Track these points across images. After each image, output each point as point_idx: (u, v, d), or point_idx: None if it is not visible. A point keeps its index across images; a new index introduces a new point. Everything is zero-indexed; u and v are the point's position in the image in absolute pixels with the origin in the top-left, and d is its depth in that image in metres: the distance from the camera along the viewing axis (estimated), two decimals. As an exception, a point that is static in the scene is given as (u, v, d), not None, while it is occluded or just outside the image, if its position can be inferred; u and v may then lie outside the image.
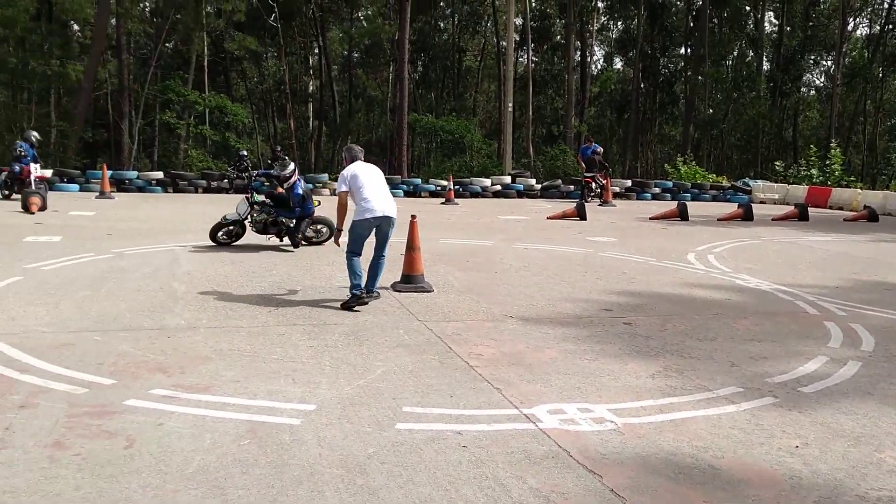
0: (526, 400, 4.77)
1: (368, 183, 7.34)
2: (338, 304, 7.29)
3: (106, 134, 35.55)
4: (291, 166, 11.03)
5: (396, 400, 4.69)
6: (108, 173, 20.21)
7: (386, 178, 8.17)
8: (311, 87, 48.00)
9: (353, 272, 7.23)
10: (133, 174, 23.22)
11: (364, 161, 7.69)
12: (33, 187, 15.63)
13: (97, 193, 19.42)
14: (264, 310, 7.04)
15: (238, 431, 4.10)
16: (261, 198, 11.01)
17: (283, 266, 9.45)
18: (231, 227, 10.94)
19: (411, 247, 8.29)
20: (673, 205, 19.35)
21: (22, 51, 31.24)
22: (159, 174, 23.66)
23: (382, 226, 7.33)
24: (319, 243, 11.49)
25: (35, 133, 18.13)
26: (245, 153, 24.77)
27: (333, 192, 23.09)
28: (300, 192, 10.87)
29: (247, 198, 10.87)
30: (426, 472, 3.69)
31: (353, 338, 6.14)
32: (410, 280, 8.22)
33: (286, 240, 11.19)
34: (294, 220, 11.00)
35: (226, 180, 23.58)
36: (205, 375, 5.02)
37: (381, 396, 4.74)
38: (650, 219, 17.82)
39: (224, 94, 35.65)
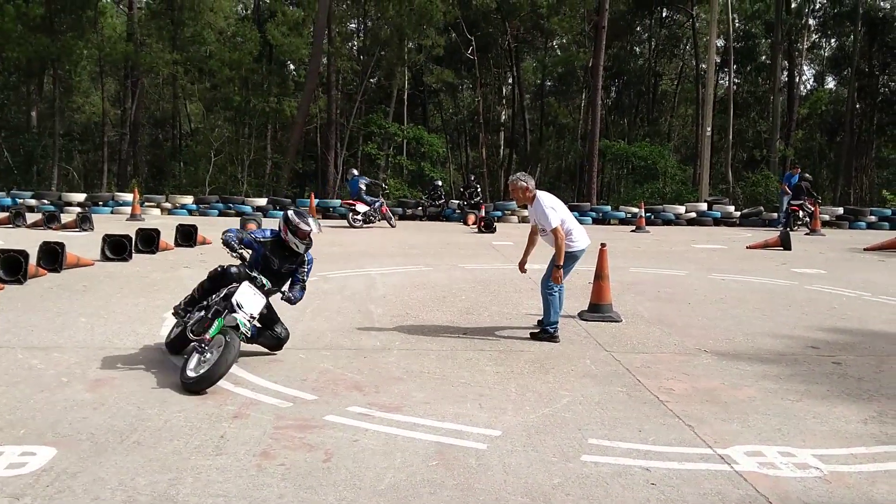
0: (721, 440, 4.55)
1: (567, 214, 7.26)
2: (525, 332, 7.34)
3: (314, 165, 38.25)
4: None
5: (582, 431, 4.64)
6: (315, 202, 21.73)
7: (574, 206, 8.12)
8: (504, 117, 48.86)
9: (555, 309, 7.14)
10: (336, 202, 24.79)
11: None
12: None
13: (305, 220, 20.91)
14: (453, 334, 7.24)
15: (427, 452, 4.24)
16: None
17: (471, 292, 9.67)
18: None
19: (600, 275, 8.19)
20: (892, 234, 17.63)
21: (245, 90, 34.46)
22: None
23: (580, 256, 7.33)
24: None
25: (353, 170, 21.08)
26: (439, 182, 25.77)
27: (523, 220, 23.38)
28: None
29: None
30: (611, 507, 3.62)
31: (538, 365, 6.16)
32: (598, 309, 8.11)
33: None
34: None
35: (420, 208, 24.56)
36: (397, 395, 5.25)
37: (567, 426, 4.72)
38: (865, 250, 16.35)
39: (421, 126, 37.19)
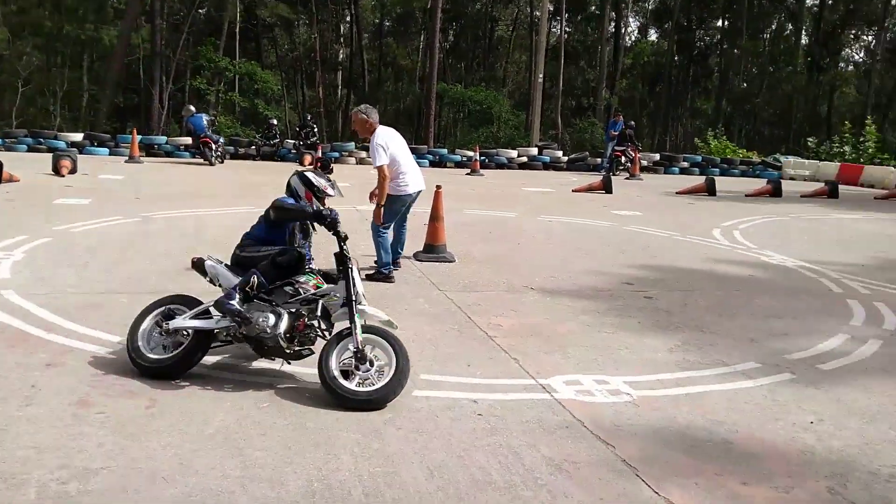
0: (543, 371, 4.81)
1: (403, 155, 7.22)
2: (361, 274, 7.35)
3: (136, 99, 35.84)
4: None
5: (414, 367, 4.72)
6: (138, 138, 20.43)
7: (412, 148, 8.14)
8: (341, 56, 47.88)
9: (385, 249, 7.16)
10: (162, 139, 23.44)
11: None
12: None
13: (126, 157, 19.66)
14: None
15: (259, 395, 4.19)
16: None
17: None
18: None
19: (435, 217, 8.31)
20: (701, 179, 19.12)
21: (57, 15, 31.48)
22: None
23: (413, 198, 7.38)
24: None
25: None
26: (274, 121, 24.93)
27: (361, 162, 23.21)
28: None
29: None
30: (441, 439, 3.75)
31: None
32: (433, 250, 8.26)
33: None
34: None
35: (253, 147, 23.74)
36: (227, 339, 5.11)
37: (399, 363, 4.80)
38: (677, 193, 17.65)
39: (254, 62, 35.70)
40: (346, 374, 4.19)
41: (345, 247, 4.46)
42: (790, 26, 48.11)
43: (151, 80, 31.31)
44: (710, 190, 17.65)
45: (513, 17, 50.94)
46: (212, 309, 4.50)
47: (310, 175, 4.95)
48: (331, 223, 4.47)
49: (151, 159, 20.91)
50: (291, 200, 4.84)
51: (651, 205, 15.14)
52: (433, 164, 23.74)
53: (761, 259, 9.45)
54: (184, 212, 10.81)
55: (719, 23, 49.49)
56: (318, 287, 4.54)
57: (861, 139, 29.37)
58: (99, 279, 6.62)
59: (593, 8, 47.85)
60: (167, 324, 4.48)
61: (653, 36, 54.65)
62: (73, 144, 21.25)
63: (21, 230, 8.60)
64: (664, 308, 6.63)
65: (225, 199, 12.46)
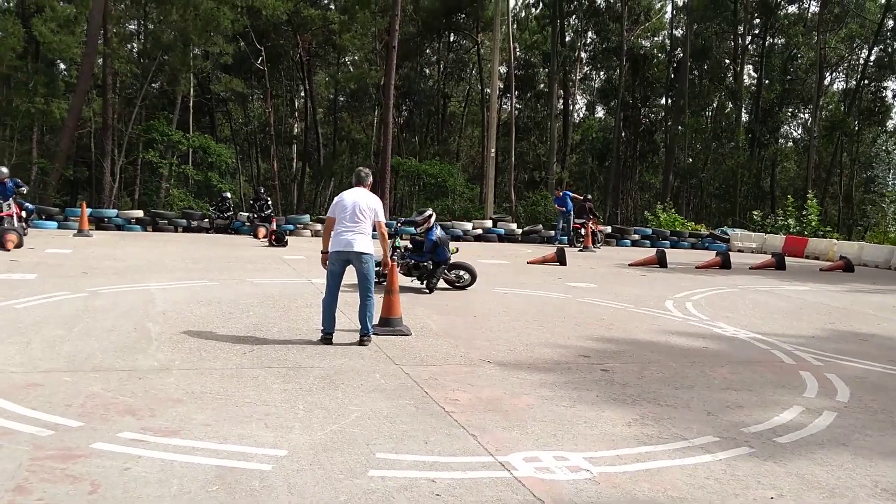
0: (502, 447, 4.72)
1: (344, 214, 7.50)
2: (315, 347, 7.25)
3: (87, 172, 35.40)
4: (428, 212, 11.72)
5: (370, 446, 4.62)
6: (88, 211, 20.10)
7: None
8: (296, 129, 48.24)
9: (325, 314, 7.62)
10: (112, 212, 23.12)
11: (361, 188, 7.76)
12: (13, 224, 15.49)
13: (75, 231, 19.27)
14: (239, 352, 6.95)
15: (207, 477, 4.01)
16: (404, 243, 11.94)
17: (259, 308, 9.37)
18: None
19: (390, 290, 8.26)
20: (652, 252, 19.49)
21: (6, 88, 31.18)
22: (139, 213, 23.58)
23: (353, 261, 7.45)
24: (462, 287, 12.03)
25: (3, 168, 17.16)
26: (228, 194, 24.85)
27: (315, 234, 23.16)
28: (434, 238, 11.39)
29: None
30: (398, 521, 3.62)
31: (328, 381, 6.07)
32: (388, 323, 8.17)
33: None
34: (431, 265, 11.51)
35: (206, 220, 23.53)
36: (175, 418, 4.93)
37: (355, 442, 4.67)
38: (629, 265, 17.91)
39: (208, 135, 35.69)
40: None
41: None
42: (730, 104, 50.15)
43: (103, 153, 31.00)
44: (661, 262, 17.96)
45: (464, 94, 52.19)
46: None
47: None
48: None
49: (101, 232, 20.56)
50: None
51: (605, 277, 15.32)
52: (389, 237, 23.78)
53: (714, 331, 9.57)
54: (132, 286, 10.56)
55: (663, 101, 51.38)
56: None
57: (804, 212, 30.40)
58: (42, 357, 6.37)
59: (542, 86, 49.33)
60: None
61: (600, 113, 56.47)
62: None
63: (-40, 306, 8.29)
64: (621, 381, 6.62)
65: (175, 273, 12.24)
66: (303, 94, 45.27)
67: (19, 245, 14.74)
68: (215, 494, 3.80)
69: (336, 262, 7.48)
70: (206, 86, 38.42)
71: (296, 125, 48.30)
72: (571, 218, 24.04)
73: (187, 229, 22.93)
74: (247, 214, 23.83)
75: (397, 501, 3.85)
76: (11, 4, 35.99)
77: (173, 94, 35.69)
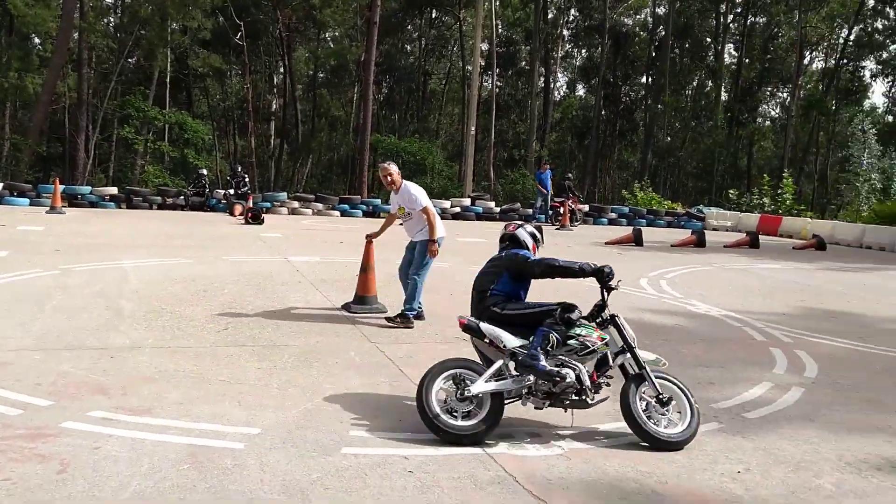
0: (474, 424, 4.75)
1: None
2: (290, 325, 7.22)
3: (61, 148, 34.91)
4: None
5: (344, 423, 4.63)
6: (61, 188, 19.83)
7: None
8: (275, 106, 47.82)
9: (420, 293, 7.71)
10: (86, 189, 22.82)
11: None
12: None
13: (48, 208, 19.02)
14: (213, 330, 6.92)
15: (178, 456, 4.01)
16: None
17: (234, 286, 9.32)
18: None
19: (366, 268, 8.24)
20: (628, 230, 19.59)
21: (-21, 63, 30.62)
22: (113, 189, 23.30)
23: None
24: None
25: None
26: (203, 171, 24.61)
27: (293, 212, 23.03)
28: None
29: None
30: (371, 498, 3.65)
31: (302, 360, 6.07)
32: (364, 301, 8.17)
33: None
34: None
35: (181, 197, 23.32)
36: (147, 397, 4.91)
37: (329, 420, 4.69)
38: (606, 244, 18.00)
39: (185, 111, 35.28)
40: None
41: (607, 297, 4.96)
42: (710, 83, 50.37)
43: (77, 129, 30.58)
44: (637, 241, 18.06)
45: (445, 71, 51.93)
46: (507, 368, 4.62)
47: (534, 230, 5.64)
48: (608, 278, 4.90)
49: (75, 210, 20.29)
50: (528, 253, 5.42)
51: (581, 255, 15.36)
52: (367, 215, 23.67)
53: (688, 308, 9.66)
54: (106, 264, 10.44)
55: (643, 79, 51.47)
56: (602, 339, 4.81)
57: (779, 191, 30.69)
58: (12, 335, 6.29)
59: (523, 63, 49.21)
60: (468, 389, 4.51)
61: (580, 91, 56.48)
62: (-9, 194, 20.52)
63: (-71, 284, 8.18)
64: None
65: (149, 250, 12.12)
66: (282, 70, 44.86)
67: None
68: (186, 473, 3.80)
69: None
70: (184, 61, 37.90)
71: (274, 102, 47.89)
72: (549, 196, 24.12)
73: (162, 206, 22.70)
74: (223, 192, 23.64)
75: (370, 478, 3.87)
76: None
77: (150, 69, 35.19)
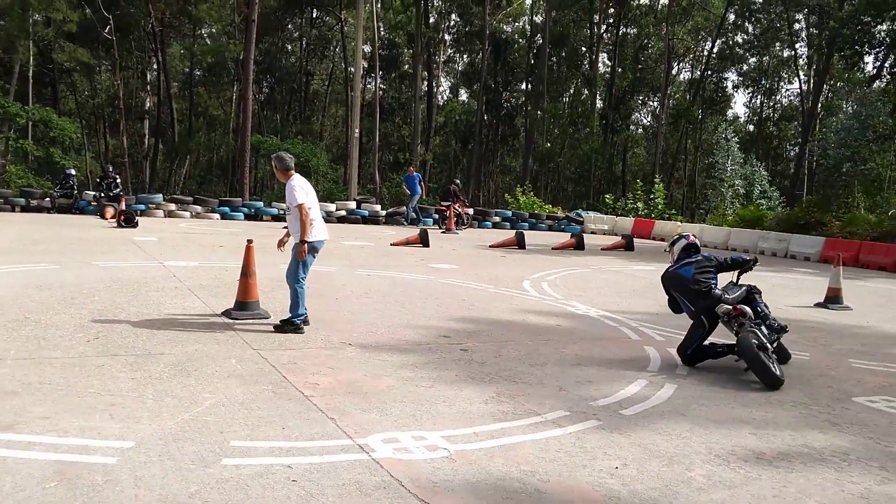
0: (360, 429, 4.71)
1: (315, 203, 7.43)
2: (166, 333, 6.93)
3: None
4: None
5: (224, 434, 4.49)
6: None
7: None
8: (149, 104, 45.92)
9: (303, 299, 7.42)
10: (-62, 189, 21.15)
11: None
12: None
13: None
14: (82, 339, 6.55)
15: (44, 473, 3.76)
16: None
17: (106, 293, 8.87)
18: None
19: (246, 272, 8.01)
20: (512, 233, 20.02)
21: None
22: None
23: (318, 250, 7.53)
24: None
25: None
26: (72, 171, 23.31)
27: (169, 215, 22.16)
28: None
29: None
30: (252, 510, 3.55)
31: (179, 369, 5.84)
32: (245, 307, 7.95)
33: None
34: None
35: (47, 199, 22.02)
36: (9, 412, 4.59)
37: (208, 430, 4.52)
38: (490, 247, 18.32)
39: (50, 108, 33.31)
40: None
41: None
42: (586, 91, 52.23)
43: (-73, 125, 28.34)
44: (520, 244, 18.49)
45: (328, 72, 51.42)
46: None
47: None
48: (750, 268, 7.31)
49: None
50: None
51: (466, 258, 15.59)
52: (249, 217, 23.10)
53: (567, 309, 9.96)
54: (-38, 270, 9.71)
55: (523, 86, 52.75)
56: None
57: (651, 196, 32.16)
58: None
59: (406, 67, 49.41)
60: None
61: (463, 96, 57.27)
62: None
63: None
64: (479, 360, 6.77)
65: (12, 255, 11.36)
66: (155, 66, 43.15)
67: None
68: (53, 491, 3.58)
69: (314, 253, 7.47)
70: (48, 55, 35.81)
71: (148, 99, 46.00)
72: (418, 198, 24.85)
73: (26, 209, 21.35)
74: (93, 193, 22.46)
75: (252, 489, 3.76)
76: None
77: (10, 62, 33.02)
